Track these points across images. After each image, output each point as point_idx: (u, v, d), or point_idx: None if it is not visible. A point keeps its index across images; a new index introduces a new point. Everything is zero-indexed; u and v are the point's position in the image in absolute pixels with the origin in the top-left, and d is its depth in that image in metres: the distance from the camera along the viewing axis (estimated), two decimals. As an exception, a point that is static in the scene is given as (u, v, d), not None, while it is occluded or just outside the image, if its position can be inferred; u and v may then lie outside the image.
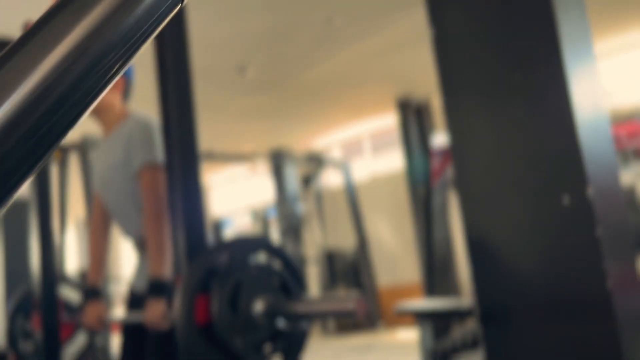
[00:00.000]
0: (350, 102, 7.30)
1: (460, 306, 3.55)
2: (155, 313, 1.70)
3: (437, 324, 4.30)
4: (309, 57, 5.69)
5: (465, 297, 5.74)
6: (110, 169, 2.02)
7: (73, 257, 5.54)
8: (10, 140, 0.29)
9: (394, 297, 7.89)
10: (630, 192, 4.76)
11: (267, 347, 1.41)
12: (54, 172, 5.01)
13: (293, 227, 8.23)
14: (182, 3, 0.36)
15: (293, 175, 8.87)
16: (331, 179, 8.21)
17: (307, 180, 8.04)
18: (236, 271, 1.38)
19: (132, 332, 1.99)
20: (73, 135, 5.25)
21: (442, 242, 4.75)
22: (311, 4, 4.54)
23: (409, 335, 5.49)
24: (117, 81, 1.98)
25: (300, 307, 1.38)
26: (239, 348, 1.32)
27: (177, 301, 1.39)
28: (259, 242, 1.53)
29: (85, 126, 5.49)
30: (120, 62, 0.33)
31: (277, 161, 8.71)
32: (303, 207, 8.26)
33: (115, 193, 2.05)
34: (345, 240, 7.92)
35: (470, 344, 3.65)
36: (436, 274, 4.59)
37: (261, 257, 1.49)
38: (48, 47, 0.31)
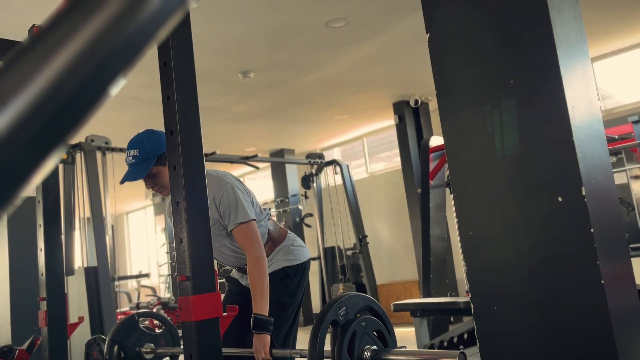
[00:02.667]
0: (350, 103, 7.34)
1: (457, 303, 3.60)
2: (260, 345, 2.15)
3: (433, 320, 4.35)
4: (309, 60, 5.72)
5: (462, 294, 5.80)
6: None
7: (79, 254, 5.61)
8: (18, 140, 0.30)
9: (392, 295, 7.95)
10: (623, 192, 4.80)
11: None
12: (60, 171, 5.07)
13: (293, 226, 8.29)
14: (186, 8, 0.36)
15: (293, 174, 8.94)
16: (331, 178, 8.26)
17: (307, 180, 8.09)
18: (352, 323, 1.72)
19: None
20: (79, 135, 5.33)
21: (439, 241, 4.77)
22: (312, 9, 4.59)
23: (407, 332, 5.55)
24: None
25: (399, 357, 1.71)
26: None
27: (311, 342, 1.70)
28: (365, 299, 1.84)
29: (91, 126, 5.56)
30: (126, 66, 0.34)
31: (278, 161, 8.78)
32: (303, 206, 8.31)
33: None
34: (344, 239, 7.98)
35: (465, 340, 3.71)
36: (433, 272, 4.61)
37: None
38: (55, 50, 0.31)
